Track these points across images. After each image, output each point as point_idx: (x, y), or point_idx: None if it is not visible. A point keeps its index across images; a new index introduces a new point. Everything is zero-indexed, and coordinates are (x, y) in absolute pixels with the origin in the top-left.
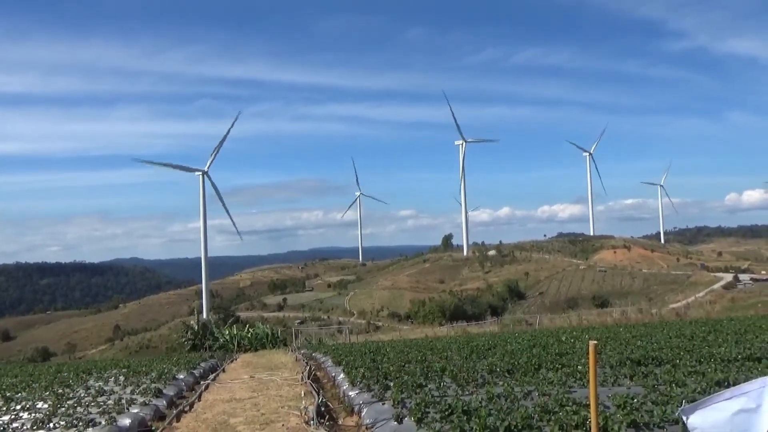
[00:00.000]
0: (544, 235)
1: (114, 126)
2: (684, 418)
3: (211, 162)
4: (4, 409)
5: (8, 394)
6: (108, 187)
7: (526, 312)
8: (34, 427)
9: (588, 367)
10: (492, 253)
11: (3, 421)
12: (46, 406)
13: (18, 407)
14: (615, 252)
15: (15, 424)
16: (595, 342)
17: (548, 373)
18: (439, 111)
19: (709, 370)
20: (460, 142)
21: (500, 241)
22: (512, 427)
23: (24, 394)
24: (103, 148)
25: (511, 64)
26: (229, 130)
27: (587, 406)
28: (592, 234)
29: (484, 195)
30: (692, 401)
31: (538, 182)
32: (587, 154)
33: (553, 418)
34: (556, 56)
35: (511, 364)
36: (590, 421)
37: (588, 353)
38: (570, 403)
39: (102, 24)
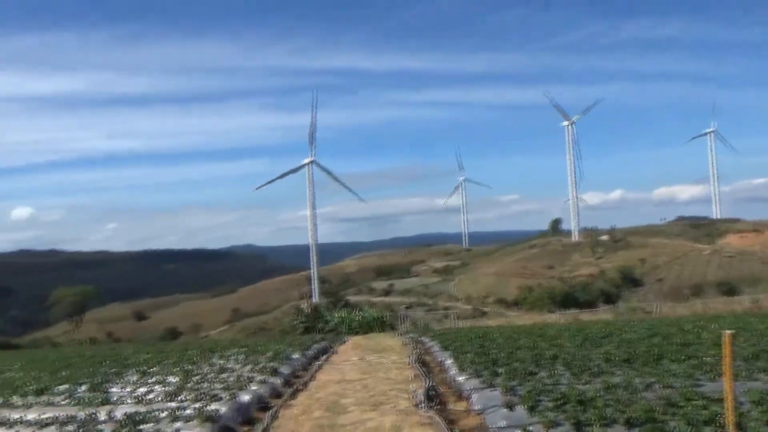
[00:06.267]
0: (662, 219)
1: (226, 121)
2: None
3: (313, 149)
4: (141, 381)
5: (143, 369)
6: (222, 179)
7: (642, 300)
8: (167, 399)
9: (722, 359)
10: (604, 238)
11: (141, 392)
12: (175, 380)
13: (152, 380)
14: (743, 236)
15: (150, 395)
16: (732, 331)
17: (671, 364)
18: (543, 91)
19: None
20: (566, 123)
21: (613, 226)
22: (633, 420)
23: (157, 369)
24: (219, 142)
25: (616, 39)
26: (314, 111)
27: (717, 401)
28: (716, 217)
29: (594, 178)
30: None
31: (653, 162)
32: (710, 132)
33: (679, 412)
34: (665, 28)
35: (629, 353)
36: (722, 417)
37: (719, 344)
38: (698, 398)
39: (210, 25)
